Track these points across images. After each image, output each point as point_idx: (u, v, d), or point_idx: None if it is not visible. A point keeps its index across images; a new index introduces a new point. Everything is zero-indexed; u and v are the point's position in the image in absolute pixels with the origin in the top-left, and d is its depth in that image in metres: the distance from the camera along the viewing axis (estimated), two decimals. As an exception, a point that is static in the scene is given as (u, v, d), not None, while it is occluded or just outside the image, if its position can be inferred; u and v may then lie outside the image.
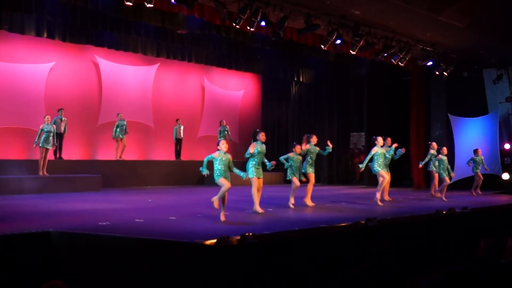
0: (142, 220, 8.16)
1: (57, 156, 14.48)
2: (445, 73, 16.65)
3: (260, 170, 9.24)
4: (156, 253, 6.03)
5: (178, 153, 17.25)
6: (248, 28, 12.21)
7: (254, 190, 9.13)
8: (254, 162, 9.14)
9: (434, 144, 13.43)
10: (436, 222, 9.16)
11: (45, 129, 13.05)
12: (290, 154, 10.55)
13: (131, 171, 15.70)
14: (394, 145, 11.98)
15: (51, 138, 13.13)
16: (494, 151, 17.06)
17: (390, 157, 11.88)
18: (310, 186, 10.82)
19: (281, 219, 8.87)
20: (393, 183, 11.63)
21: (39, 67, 14.96)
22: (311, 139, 10.95)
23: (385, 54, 14.96)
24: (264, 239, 6.31)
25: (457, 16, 13.21)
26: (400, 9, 12.56)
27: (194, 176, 16.97)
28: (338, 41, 13.57)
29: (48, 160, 13.28)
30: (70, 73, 15.65)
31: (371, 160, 11.54)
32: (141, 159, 17.03)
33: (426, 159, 13.28)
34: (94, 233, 6.71)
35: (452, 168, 13.72)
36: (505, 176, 17.29)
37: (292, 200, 10.41)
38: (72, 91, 15.65)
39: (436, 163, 13.21)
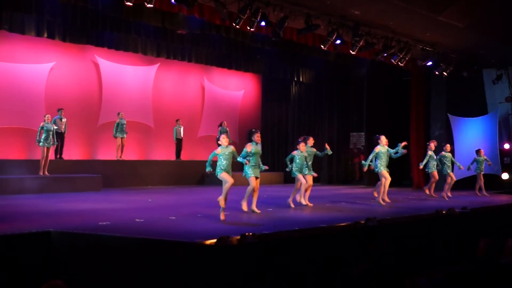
0: (142, 220, 8.17)
1: (58, 156, 14.48)
2: (445, 73, 16.65)
3: (258, 170, 9.29)
4: (156, 253, 6.04)
5: (178, 153, 17.25)
6: (248, 28, 12.22)
7: (249, 189, 9.22)
8: (250, 162, 9.18)
9: (432, 145, 13.47)
10: (436, 222, 9.17)
11: (45, 128, 13.08)
12: (294, 152, 10.57)
13: (131, 171, 15.70)
14: (403, 143, 11.87)
15: (51, 136, 13.16)
16: (494, 151, 17.06)
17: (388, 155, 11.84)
18: (308, 188, 10.85)
19: (281, 219, 8.88)
20: (393, 183, 11.63)
21: (39, 67, 14.96)
22: (308, 141, 10.94)
23: (385, 54, 14.97)
24: (264, 239, 6.32)
25: (457, 16, 13.22)
26: (400, 9, 12.57)
27: (194, 176, 17.00)
28: (338, 41, 13.58)
29: (49, 160, 13.30)
30: (70, 73, 15.66)
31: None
32: (141, 159, 17.03)
33: (425, 160, 13.32)
34: (94, 233, 6.72)
35: (453, 168, 13.70)
36: (505, 176, 17.30)
37: (298, 198, 10.39)
38: (72, 91, 15.66)
39: (434, 163, 13.28)
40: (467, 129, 17.70)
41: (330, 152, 11.56)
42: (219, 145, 8.50)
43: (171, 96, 18.04)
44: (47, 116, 13.29)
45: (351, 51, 14.13)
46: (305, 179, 10.56)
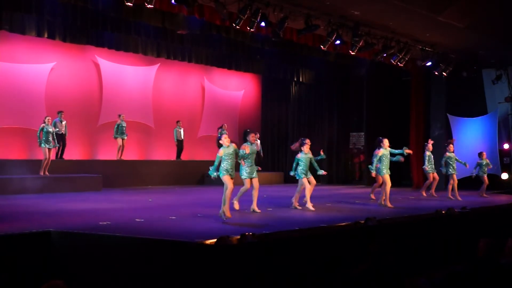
0: (142, 220, 8.17)
1: (58, 156, 14.49)
2: (444, 73, 16.65)
3: (253, 170, 9.32)
4: (156, 253, 6.04)
5: (179, 153, 17.26)
6: (248, 28, 12.22)
7: (242, 189, 9.28)
8: (246, 163, 9.22)
9: (430, 146, 13.49)
10: (435, 222, 9.18)
11: (45, 130, 13.10)
12: (298, 156, 10.32)
13: (131, 171, 15.70)
14: (408, 151, 11.74)
15: (50, 138, 13.19)
16: (493, 151, 17.07)
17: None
18: (312, 188, 10.82)
19: (281, 218, 8.88)
20: (393, 183, 11.61)
21: (40, 67, 14.97)
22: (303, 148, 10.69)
23: (385, 55, 14.97)
24: (264, 239, 6.33)
25: (457, 16, 13.22)
26: (400, 9, 12.56)
27: (194, 176, 17.00)
28: (338, 42, 13.59)
29: (50, 160, 13.33)
30: (70, 73, 15.66)
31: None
32: (141, 159, 17.04)
33: (427, 161, 13.38)
34: (94, 233, 6.73)
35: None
36: (504, 176, 17.29)
37: (307, 201, 10.22)
38: (72, 91, 15.66)
39: (432, 165, 13.33)
40: (467, 129, 17.70)
41: (324, 157, 11.51)
42: (220, 145, 8.44)
43: (171, 96, 18.04)
44: (47, 118, 13.31)
45: (350, 51, 14.13)
46: (309, 181, 10.47)
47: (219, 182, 8.64)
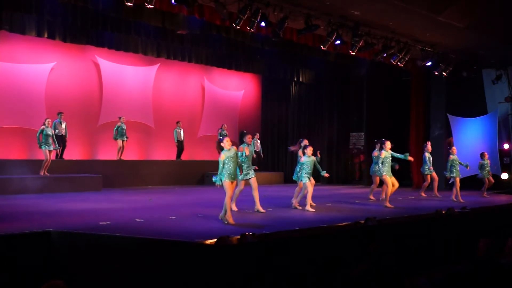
0: (142, 220, 8.18)
1: (58, 156, 14.49)
2: (444, 73, 16.65)
3: (250, 171, 9.33)
4: (156, 253, 6.04)
5: (179, 154, 17.26)
6: (248, 28, 12.22)
7: (237, 191, 9.24)
8: (244, 165, 9.24)
9: (429, 147, 13.51)
10: (435, 222, 9.18)
11: (44, 132, 13.11)
12: (302, 159, 10.20)
13: (131, 171, 15.70)
14: (409, 158, 11.70)
15: (50, 140, 13.20)
16: (493, 151, 17.06)
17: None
18: (309, 195, 10.82)
19: (281, 218, 8.88)
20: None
21: (40, 67, 14.97)
22: (307, 151, 10.62)
23: (385, 55, 14.97)
24: (264, 239, 6.32)
25: (457, 16, 13.22)
26: (400, 9, 12.56)
27: (194, 176, 17.01)
28: (338, 42, 13.59)
29: (50, 160, 13.33)
30: (70, 73, 15.67)
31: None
32: (141, 159, 17.04)
33: (428, 162, 13.41)
34: (94, 233, 6.73)
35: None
36: (504, 176, 17.28)
37: (309, 201, 10.17)
38: (72, 91, 15.67)
39: (430, 166, 13.36)
40: (467, 129, 17.69)
41: (318, 159, 11.48)
42: (221, 149, 8.06)
43: (171, 96, 18.05)
44: (47, 120, 13.31)
45: (350, 51, 14.13)
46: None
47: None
